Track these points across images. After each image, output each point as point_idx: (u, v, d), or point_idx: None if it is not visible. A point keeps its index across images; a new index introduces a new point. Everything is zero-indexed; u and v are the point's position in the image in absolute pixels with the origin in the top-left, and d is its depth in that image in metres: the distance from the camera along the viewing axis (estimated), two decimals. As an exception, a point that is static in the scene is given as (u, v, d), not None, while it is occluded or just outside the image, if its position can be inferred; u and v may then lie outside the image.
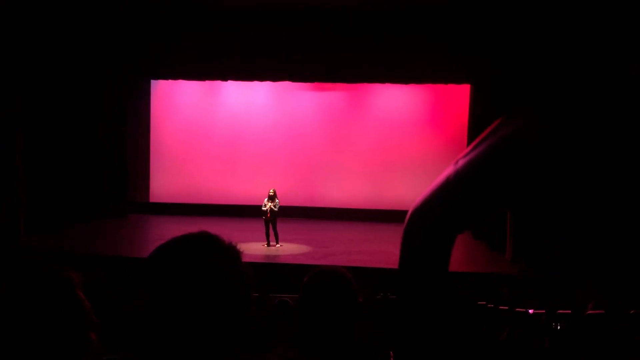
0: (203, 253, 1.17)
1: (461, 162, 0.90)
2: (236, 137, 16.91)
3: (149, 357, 1.12)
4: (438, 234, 0.94)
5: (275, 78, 14.45)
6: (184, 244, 1.19)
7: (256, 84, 15.94)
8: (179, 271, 1.14)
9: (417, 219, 0.96)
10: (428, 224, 0.95)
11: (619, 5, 7.91)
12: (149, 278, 1.16)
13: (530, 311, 5.86)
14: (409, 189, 15.77)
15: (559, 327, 4.98)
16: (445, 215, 0.94)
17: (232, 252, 1.20)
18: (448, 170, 0.93)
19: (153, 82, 17.10)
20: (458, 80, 14.14)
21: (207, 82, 16.21)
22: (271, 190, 11.99)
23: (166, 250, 1.18)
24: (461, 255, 10.95)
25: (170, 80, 16.28)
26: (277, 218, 11.93)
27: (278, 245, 11.85)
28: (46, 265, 1.22)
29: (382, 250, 11.65)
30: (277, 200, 11.88)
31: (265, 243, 11.83)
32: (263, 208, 11.86)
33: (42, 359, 1.12)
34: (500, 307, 6.18)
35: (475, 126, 14.12)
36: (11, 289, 1.15)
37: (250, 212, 15.01)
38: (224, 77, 14.77)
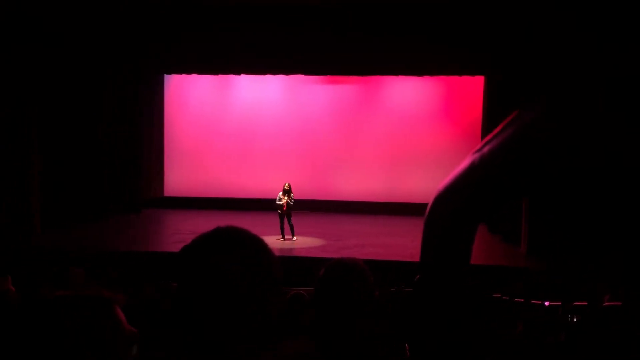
0: (244, 250, 1.19)
1: (486, 149, 0.92)
2: (249, 131, 16.95)
3: (171, 351, 1.14)
4: (463, 217, 0.95)
5: (287, 71, 14.46)
6: (225, 238, 1.21)
7: (268, 78, 15.95)
8: (216, 265, 1.16)
9: (441, 204, 0.96)
10: (453, 208, 0.95)
11: (619, 5, 7.83)
12: (183, 269, 1.18)
13: (546, 303, 5.83)
14: (422, 182, 15.72)
15: (575, 320, 4.95)
16: (470, 199, 0.94)
17: (269, 255, 1.23)
18: (470, 158, 0.94)
19: (166, 77, 17.17)
20: (471, 72, 14.05)
21: (220, 77, 16.25)
22: (286, 184, 12.04)
23: (205, 243, 1.20)
24: (477, 248, 10.91)
25: (183, 75, 16.35)
26: (292, 212, 11.99)
27: (294, 239, 11.89)
28: (88, 291, 1.25)
29: (396, 243, 11.64)
30: (292, 194, 11.95)
31: (279, 237, 11.86)
32: (278, 202, 11.90)
33: None
34: (516, 300, 6.15)
35: (489, 119, 14.02)
36: (53, 316, 1.17)
37: (263, 205, 15.05)
38: (237, 71, 14.82)
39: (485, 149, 0.94)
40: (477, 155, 0.95)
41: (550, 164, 0.86)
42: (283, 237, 11.87)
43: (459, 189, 0.97)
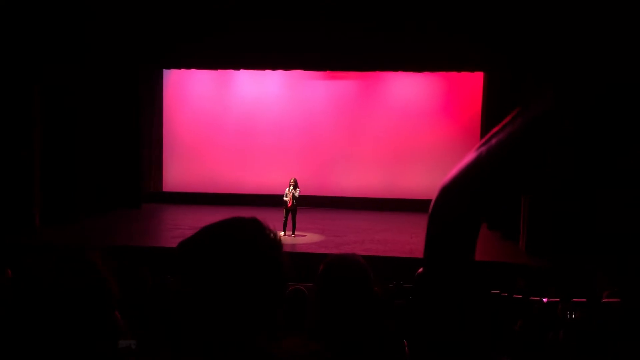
0: (250, 241, 1.18)
1: (494, 141, 0.91)
2: (249, 127, 16.93)
3: (177, 341, 1.13)
4: (470, 209, 0.94)
5: (286, 66, 14.45)
6: (232, 230, 1.20)
7: (268, 74, 15.93)
8: (224, 255, 1.15)
9: (448, 195, 0.96)
10: (460, 200, 0.95)
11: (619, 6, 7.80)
12: (188, 263, 1.17)
13: (545, 300, 5.84)
14: (421, 178, 15.73)
15: (573, 316, 4.96)
16: (477, 191, 0.94)
17: (276, 244, 1.23)
18: (477, 151, 0.93)
19: (165, 72, 17.13)
20: (471, 69, 14.03)
21: (220, 72, 16.23)
22: (292, 180, 11.96)
23: (213, 233, 1.20)
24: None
25: (182, 70, 16.33)
26: (297, 207, 11.94)
27: (293, 236, 11.83)
28: (68, 246, 1.24)
29: (396, 239, 11.65)
30: (298, 189, 11.89)
31: (281, 232, 11.81)
32: (285, 198, 11.84)
33: (69, 341, 1.13)
34: (515, 296, 6.16)
35: (488, 115, 14.01)
36: (34, 272, 1.16)
37: (263, 201, 15.05)
38: (236, 66, 14.80)
39: (493, 141, 0.93)
40: (484, 147, 0.94)
41: (559, 157, 0.86)
42: (284, 232, 11.84)
43: (466, 180, 0.96)
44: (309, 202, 15.70)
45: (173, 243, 10.46)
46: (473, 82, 15.68)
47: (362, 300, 1.65)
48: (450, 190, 0.98)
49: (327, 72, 16.14)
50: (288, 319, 3.90)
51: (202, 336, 1.12)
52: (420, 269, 1.54)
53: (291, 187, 11.87)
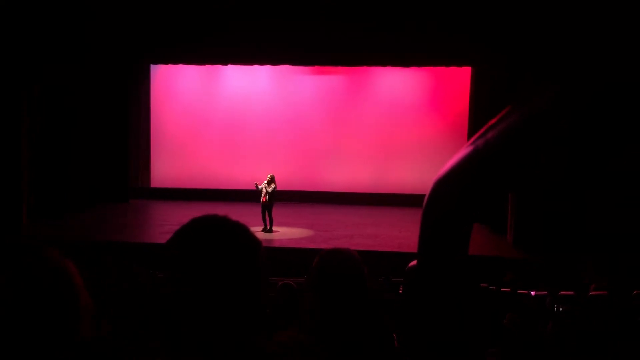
0: (228, 239, 1.18)
1: (490, 135, 0.91)
2: (237, 122, 16.86)
3: (164, 341, 1.12)
4: (465, 201, 0.94)
5: (275, 61, 14.41)
6: (209, 229, 1.20)
7: (256, 69, 15.88)
8: (203, 255, 1.15)
9: (443, 188, 0.96)
10: (455, 192, 0.95)
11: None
12: (170, 262, 1.16)
13: (533, 293, 5.88)
14: (410, 173, 15.76)
15: (561, 309, 4.99)
16: (473, 184, 0.94)
17: (254, 242, 1.22)
18: (473, 145, 0.93)
19: (153, 67, 17.00)
20: (459, 63, 14.06)
21: (207, 67, 16.15)
22: (269, 175, 11.78)
23: (190, 233, 1.19)
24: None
25: (170, 66, 16.23)
26: (275, 203, 11.77)
27: (269, 231, 11.65)
28: (37, 253, 1.18)
29: (384, 233, 11.67)
30: (273, 185, 11.72)
31: (261, 227, 11.69)
32: (261, 193, 11.71)
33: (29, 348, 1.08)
34: (503, 290, 6.19)
35: (476, 110, 14.05)
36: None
37: (251, 196, 15.01)
38: (224, 61, 14.74)
39: (490, 135, 0.93)
40: (480, 141, 0.94)
41: (556, 153, 0.86)
42: (265, 228, 11.70)
43: (462, 173, 0.96)
44: (297, 197, 15.69)
45: (161, 239, 10.41)
46: (461, 78, 15.71)
47: (357, 295, 1.64)
48: (444, 184, 0.98)
49: (316, 67, 16.12)
50: (279, 313, 3.91)
51: (194, 334, 1.11)
52: (411, 263, 1.54)
53: (265, 183, 11.75)
